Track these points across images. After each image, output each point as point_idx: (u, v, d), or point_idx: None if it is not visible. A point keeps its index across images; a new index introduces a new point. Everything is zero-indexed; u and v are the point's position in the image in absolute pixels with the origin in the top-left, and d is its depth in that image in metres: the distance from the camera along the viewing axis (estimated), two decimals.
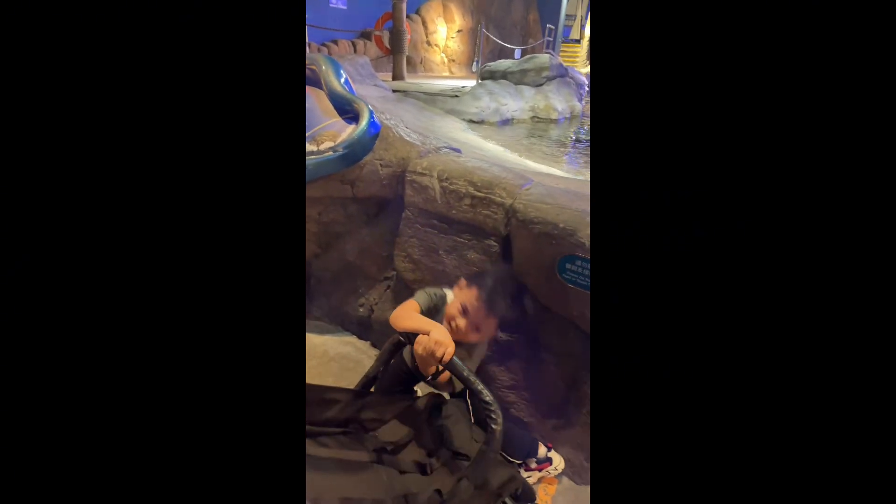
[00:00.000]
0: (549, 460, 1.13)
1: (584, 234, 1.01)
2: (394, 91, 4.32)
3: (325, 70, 1.65)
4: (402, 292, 1.53)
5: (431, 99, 4.97)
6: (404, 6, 5.62)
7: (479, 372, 1.34)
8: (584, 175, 3.02)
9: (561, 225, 1.05)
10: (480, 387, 0.72)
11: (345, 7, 6.93)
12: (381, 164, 1.50)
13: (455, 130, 3.83)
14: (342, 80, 1.65)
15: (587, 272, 1.02)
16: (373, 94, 3.56)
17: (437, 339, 0.79)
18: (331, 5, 6.74)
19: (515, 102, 5.40)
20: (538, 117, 5.52)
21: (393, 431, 0.77)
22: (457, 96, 5.16)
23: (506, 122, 5.20)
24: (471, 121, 4.64)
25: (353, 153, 1.43)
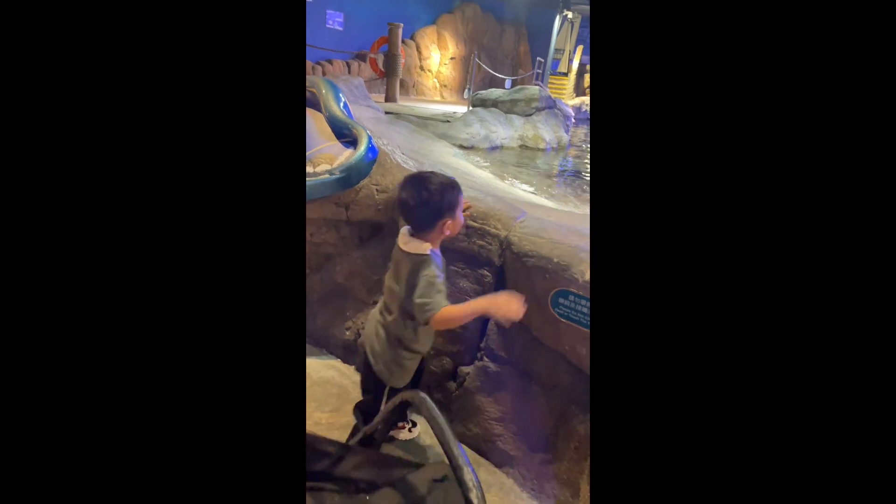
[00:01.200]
0: None
1: (579, 269, 1.03)
2: (386, 113, 4.38)
3: (325, 93, 1.67)
4: None
5: (423, 122, 5.05)
6: (400, 31, 5.75)
7: (467, 400, 1.33)
8: (572, 206, 3.08)
9: (555, 260, 1.07)
10: (464, 468, 0.66)
11: (341, 28, 7.06)
12: (377, 189, 1.51)
13: (446, 155, 3.89)
14: (341, 105, 1.67)
15: (580, 307, 1.04)
16: (366, 115, 3.60)
17: (508, 308, 0.87)
18: (327, 26, 6.86)
19: (505, 130, 5.53)
20: (527, 146, 5.65)
21: (385, 498, 0.72)
22: (448, 121, 5.25)
23: (495, 149, 5.31)
24: (461, 146, 4.72)
25: (350, 177, 1.44)
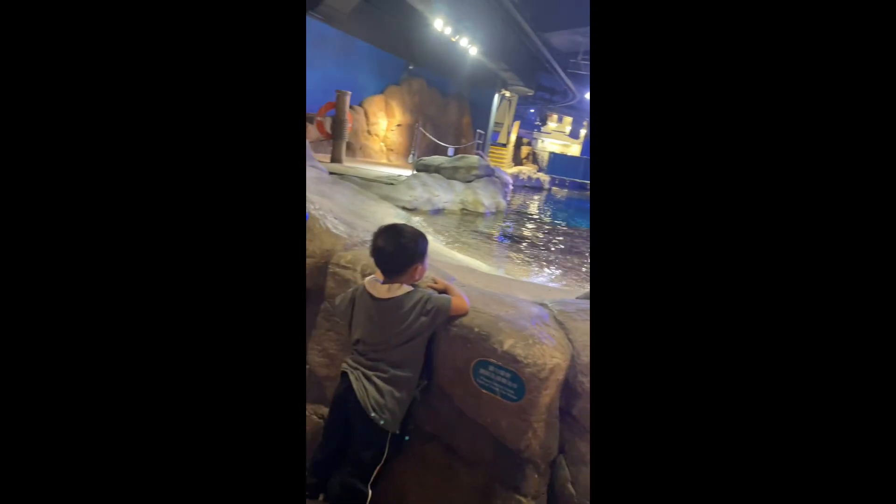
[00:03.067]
0: None
1: (498, 339, 1.05)
2: (330, 173, 4.43)
3: None
4: (313, 388, 1.43)
5: (367, 184, 5.14)
6: (348, 98, 5.99)
7: (391, 480, 1.25)
8: (504, 270, 3.18)
9: (476, 329, 1.09)
10: None
11: None
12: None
13: (389, 216, 3.95)
14: None
15: (500, 377, 1.04)
16: (309, 175, 3.61)
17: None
18: None
19: (447, 195, 5.76)
20: (467, 210, 5.90)
21: None
22: (392, 184, 5.38)
23: (437, 212, 5.48)
24: (404, 208, 4.82)
25: None
